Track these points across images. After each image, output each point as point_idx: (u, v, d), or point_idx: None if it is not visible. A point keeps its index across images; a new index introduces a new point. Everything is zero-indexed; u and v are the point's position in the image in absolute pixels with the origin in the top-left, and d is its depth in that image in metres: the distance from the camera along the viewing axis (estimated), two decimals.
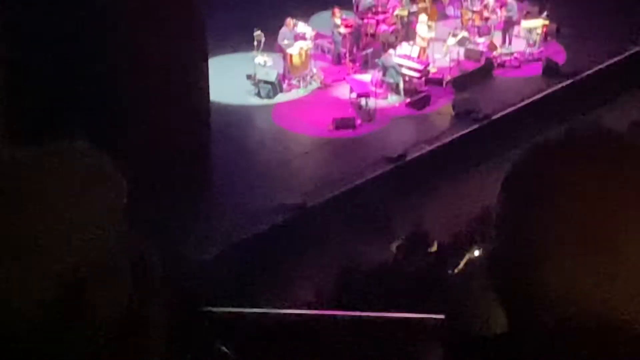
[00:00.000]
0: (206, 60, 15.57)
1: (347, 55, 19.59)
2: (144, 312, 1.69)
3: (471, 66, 19.56)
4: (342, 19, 19.77)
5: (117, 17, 12.89)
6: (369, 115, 17.77)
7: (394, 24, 20.22)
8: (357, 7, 20.61)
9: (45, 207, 1.63)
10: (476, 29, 20.37)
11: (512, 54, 19.92)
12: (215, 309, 5.70)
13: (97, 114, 12.08)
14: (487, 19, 20.23)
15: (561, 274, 1.43)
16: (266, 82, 18.56)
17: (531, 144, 1.57)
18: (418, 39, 19.50)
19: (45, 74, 11.80)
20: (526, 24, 20.11)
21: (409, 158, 16.43)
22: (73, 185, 1.69)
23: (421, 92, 18.45)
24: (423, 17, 19.78)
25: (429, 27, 19.68)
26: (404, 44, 19.54)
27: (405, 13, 20.38)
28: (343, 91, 18.58)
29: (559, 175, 1.49)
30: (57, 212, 1.63)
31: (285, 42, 18.84)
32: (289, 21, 19.05)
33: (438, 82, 18.92)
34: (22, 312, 1.54)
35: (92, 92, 12.51)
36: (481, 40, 20.16)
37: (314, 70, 19.25)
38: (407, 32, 20.12)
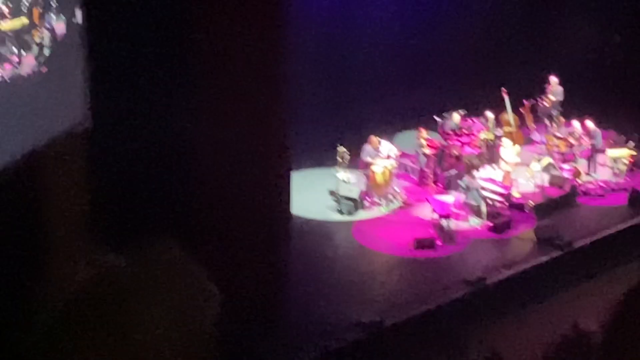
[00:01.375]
0: (289, 174, 15.71)
1: (430, 175, 19.62)
2: None
3: (555, 192, 19.43)
4: (427, 139, 19.86)
5: (203, 128, 13.09)
6: (450, 236, 17.68)
7: (479, 146, 20.25)
8: (443, 127, 20.70)
9: (143, 313, 1.64)
10: (561, 156, 20.29)
11: (596, 182, 19.76)
12: None
13: (178, 223, 12.19)
14: (572, 146, 20.15)
15: None
16: (348, 198, 18.64)
17: None
18: (502, 163, 19.49)
19: (134, 188, 11.99)
20: (612, 152, 19.99)
21: (488, 282, 16.26)
22: (170, 292, 1.71)
23: (503, 216, 18.35)
24: (508, 142, 19.79)
25: (514, 151, 19.68)
26: (488, 167, 19.54)
27: (491, 136, 20.42)
28: (425, 211, 18.55)
29: None
30: (156, 319, 1.65)
31: (369, 159, 18.95)
32: (373, 139, 19.19)
33: (521, 207, 18.80)
34: None
35: (175, 200, 12.66)
36: (566, 167, 20.06)
37: (396, 189, 19.29)
38: (491, 155, 20.12)
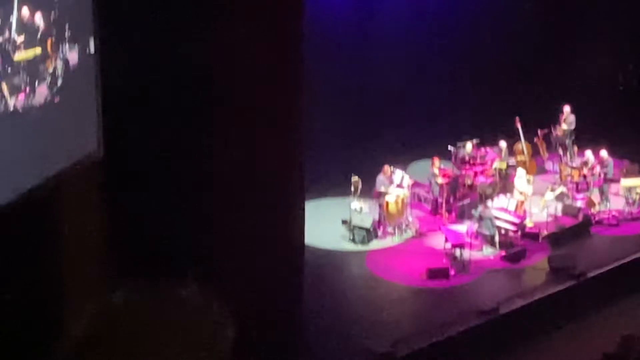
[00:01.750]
0: (303, 203, 15.71)
1: (444, 205, 19.59)
2: None
3: (568, 222, 19.38)
4: (440, 169, 19.86)
5: (218, 159, 13.12)
6: (463, 266, 17.64)
7: (492, 176, 20.23)
8: (456, 157, 20.70)
9: (158, 351, 1.63)
10: (574, 185, 20.25)
11: (610, 211, 19.70)
12: None
13: (193, 255, 12.19)
14: (585, 175, 20.10)
15: None
16: (361, 228, 18.63)
17: None
18: (516, 193, 19.45)
19: (149, 220, 12.00)
20: (625, 182, 19.94)
21: (502, 312, 16.19)
22: (186, 329, 1.70)
23: (517, 246, 18.30)
24: (521, 172, 19.77)
25: (528, 181, 19.66)
26: (502, 196, 19.50)
27: (504, 166, 20.41)
28: (438, 241, 18.52)
29: None
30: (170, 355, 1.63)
31: (382, 189, 18.95)
32: (387, 168, 19.20)
33: (534, 236, 18.75)
34: None
35: (190, 232, 12.67)
36: (579, 196, 20.01)
37: (410, 219, 19.27)
38: (505, 184, 20.10)
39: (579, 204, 19.80)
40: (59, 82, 10.24)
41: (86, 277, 10.68)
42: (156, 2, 12.23)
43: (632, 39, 23.73)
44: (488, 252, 18.27)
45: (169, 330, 1.72)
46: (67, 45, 10.37)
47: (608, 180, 20.05)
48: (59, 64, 10.26)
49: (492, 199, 19.21)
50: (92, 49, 10.83)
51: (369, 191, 19.17)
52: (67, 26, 10.36)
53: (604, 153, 20.17)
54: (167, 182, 12.31)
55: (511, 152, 21.05)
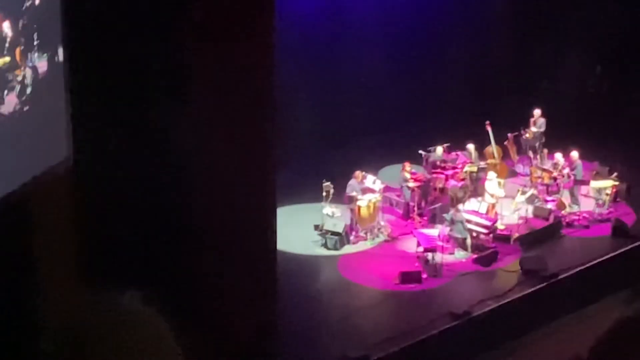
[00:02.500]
0: (275, 210, 15.71)
1: (415, 209, 19.66)
2: None
3: (539, 224, 19.49)
4: (412, 173, 19.92)
5: (188, 165, 13.11)
6: (435, 269, 17.70)
7: (463, 179, 20.31)
8: (427, 161, 20.78)
9: None
10: (545, 187, 20.36)
11: (580, 213, 19.81)
12: None
13: (165, 260, 12.19)
14: (555, 177, 20.22)
15: None
16: (333, 233, 18.66)
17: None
18: (487, 196, 19.54)
19: (118, 228, 11.98)
20: (595, 184, 20.06)
21: (474, 314, 16.27)
22: (152, 336, 1.72)
23: (488, 249, 18.38)
24: (492, 175, 19.86)
25: (499, 183, 19.75)
26: (473, 199, 19.59)
27: (475, 169, 20.50)
28: (410, 245, 18.57)
29: None
30: None
31: (354, 193, 18.98)
32: (358, 173, 19.23)
33: (506, 239, 18.85)
34: None
35: (161, 237, 12.65)
36: (550, 198, 20.12)
37: (382, 223, 19.32)
38: (476, 187, 20.20)
39: (550, 206, 19.91)
40: (28, 90, 10.23)
41: (58, 285, 10.65)
42: (124, 9, 12.20)
43: (601, 42, 23.90)
44: (460, 255, 18.35)
45: (136, 336, 1.74)
46: (36, 53, 10.36)
47: (578, 182, 20.16)
48: (28, 73, 10.25)
49: (463, 203, 19.30)
50: (60, 57, 10.81)
51: (341, 196, 19.20)
52: (35, 35, 10.34)
53: (574, 154, 20.27)
54: (138, 189, 12.28)
55: (482, 155, 21.14)
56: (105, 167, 11.96)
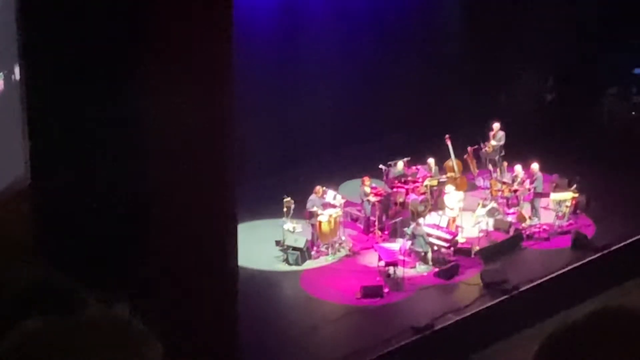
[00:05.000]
0: (235, 226, 15.66)
1: (376, 223, 19.67)
2: None
3: (500, 237, 19.57)
4: (372, 187, 19.94)
5: (148, 181, 13.04)
6: (397, 283, 17.72)
7: (424, 193, 20.36)
8: (387, 175, 20.81)
9: None
10: (505, 200, 20.45)
11: (540, 225, 19.90)
12: None
13: (123, 276, 12.10)
14: (515, 190, 20.31)
15: None
16: (295, 248, 18.63)
17: (558, 327, 1.55)
18: (447, 209, 19.59)
19: (77, 243, 11.89)
20: (555, 196, 20.17)
21: (436, 328, 16.28)
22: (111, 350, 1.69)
23: (449, 262, 18.43)
24: (450, 188, 19.91)
25: (458, 197, 19.79)
26: (433, 213, 19.63)
27: (435, 183, 20.56)
28: (371, 259, 18.59)
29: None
30: None
31: (314, 209, 18.97)
32: (318, 189, 19.22)
33: (466, 252, 18.91)
34: None
35: (120, 253, 12.57)
36: (510, 211, 20.21)
37: (343, 238, 19.32)
38: (436, 201, 20.26)
39: (510, 218, 20.00)
40: None
41: (15, 302, 10.53)
42: (79, 25, 12.13)
43: (556, 53, 24.11)
44: (421, 269, 18.38)
45: (95, 353, 1.71)
46: None
47: (537, 195, 20.25)
48: None
49: (423, 216, 19.33)
50: (17, 76, 10.74)
51: (302, 212, 19.18)
52: None
53: (534, 167, 20.35)
54: (96, 207, 12.20)
55: (442, 169, 21.20)
56: (63, 185, 11.87)
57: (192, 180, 13.76)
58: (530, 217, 20.08)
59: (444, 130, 21.41)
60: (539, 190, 20.21)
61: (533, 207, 20.23)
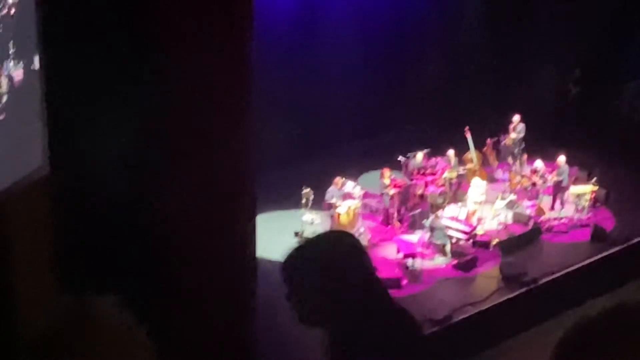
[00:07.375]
0: (254, 217, 15.66)
1: (395, 215, 19.64)
2: None
3: (519, 230, 19.52)
4: (391, 179, 19.91)
5: (166, 172, 13.04)
6: (415, 276, 17.70)
7: (443, 185, 20.32)
8: (407, 167, 20.78)
9: None
10: (524, 193, 20.39)
11: (560, 219, 19.84)
12: None
13: (140, 269, 12.12)
14: (535, 183, 20.25)
15: None
16: None
17: (577, 321, 1.55)
18: (469, 202, 19.53)
19: (95, 237, 11.91)
20: (574, 189, 20.11)
21: (454, 320, 16.27)
22: (105, 344, 1.70)
23: (468, 255, 18.40)
24: (477, 181, 19.84)
25: (482, 190, 19.74)
26: (452, 205, 19.60)
27: (454, 175, 20.52)
28: (390, 251, 18.58)
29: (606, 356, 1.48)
30: None
31: (334, 200, 18.96)
32: (337, 180, 19.22)
33: (485, 244, 18.87)
34: None
35: (137, 245, 12.58)
36: (529, 204, 20.16)
37: (361, 230, 19.30)
38: (455, 194, 20.21)
39: (529, 211, 19.95)
40: (4, 99, 10.17)
41: (34, 296, 10.58)
42: (101, 16, 12.14)
43: (580, 45, 23.97)
44: (440, 261, 18.37)
45: (111, 343, 1.71)
46: (11, 62, 10.30)
47: (560, 187, 20.16)
48: (4, 81, 10.19)
49: (442, 209, 19.31)
50: (37, 66, 10.76)
51: (321, 203, 19.17)
52: (11, 44, 10.29)
53: (561, 159, 20.24)
54: (115, 198, 12.21)
55: (461, 161, 21.16)
56: (82, 175, 11.89)
57: (212, 170, 13.76)
58: (549, 210, 19.99)
59: (464, 122, 21.35)
60: (565, 183, 20.11)
61: (554, 200, 20.14)
